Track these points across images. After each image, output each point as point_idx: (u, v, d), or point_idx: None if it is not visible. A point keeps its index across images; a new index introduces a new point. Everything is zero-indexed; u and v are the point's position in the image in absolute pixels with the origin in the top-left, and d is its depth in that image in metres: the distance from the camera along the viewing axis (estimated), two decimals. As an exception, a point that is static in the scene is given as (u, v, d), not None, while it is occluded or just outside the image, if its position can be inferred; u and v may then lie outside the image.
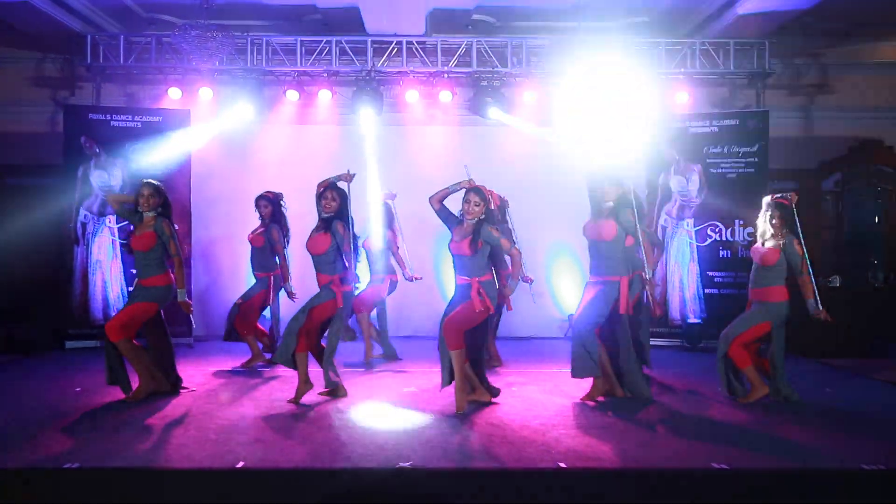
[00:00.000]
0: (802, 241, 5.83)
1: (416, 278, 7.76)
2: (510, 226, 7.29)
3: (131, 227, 6.00)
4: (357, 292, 7.28)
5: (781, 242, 5.82)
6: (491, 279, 5.56)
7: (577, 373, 5.81)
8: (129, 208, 5.98)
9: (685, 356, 8.38)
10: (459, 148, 9.32)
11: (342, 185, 6.00)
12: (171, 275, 5.91)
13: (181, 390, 6.13)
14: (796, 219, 5.85)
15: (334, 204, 5.89)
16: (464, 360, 5.56)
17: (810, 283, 5.77)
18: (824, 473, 4.26)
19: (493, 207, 5.65)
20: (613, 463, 4.35)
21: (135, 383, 5.91)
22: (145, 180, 6.07)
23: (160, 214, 5.90)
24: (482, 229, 5.45)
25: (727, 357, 5.93)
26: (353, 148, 9.13)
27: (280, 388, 6.37)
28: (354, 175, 6.05)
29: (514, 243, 7.15)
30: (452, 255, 5.59)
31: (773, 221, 5.85)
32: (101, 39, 9.06)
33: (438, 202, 5.67)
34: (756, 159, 8.81)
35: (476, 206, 5.49)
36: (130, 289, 7.96)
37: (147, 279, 5.86)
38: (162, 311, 6.00)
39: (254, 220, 7.58)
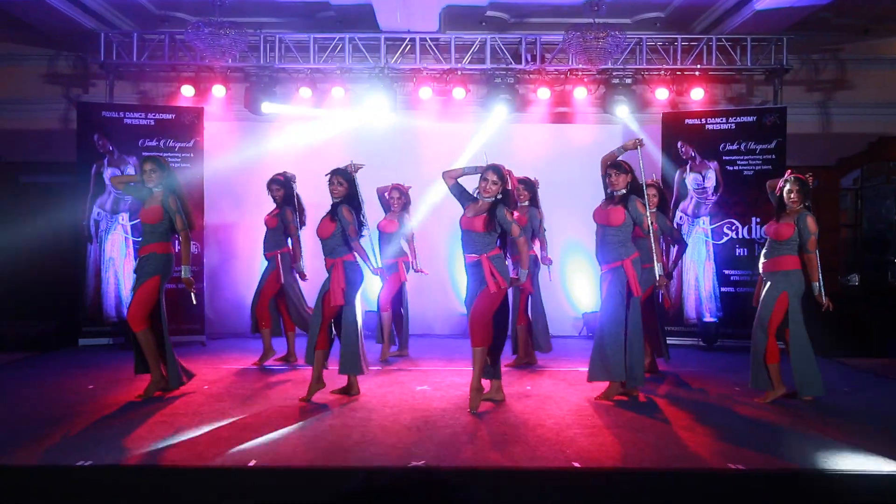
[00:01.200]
0: (815, 219, 5.78)
1: (421, 272, 7.75)
2: (540, 207, 7.25)
3: (141, 203, 6.00)
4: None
5: (796, 217, 5.77)
6: (500, 254, 5.47)
7: (592, 376, 5.83)
8: (135, 186, 6.03)
9: (701, 355, 8.30)
10: (473, 145, 9.26)
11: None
12: (172, 247, 5.96)
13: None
14: (808, 198, 5.83)
15: (341, 189, 5.87)
16: (485, 357, 5.51)
17: (816, 262, 5.75)
18: (842, 475, 4.19)
19: (509, 188, 5.52)
20: (628, 463, 4.30)
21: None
22: (145, 155, 6.09)
23: (167, 188, 5.91)
24: (498, 210, 5.37)
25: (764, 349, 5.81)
26: (365, 143, 9.11)
27: (293, 386, 6.35)
28: (361, 167, 6.04)
29: (543, 225, 7.15)
30: (462, 231, 5.52)
31: (792, 196, 5.77)
32: (114, 37, 9.04)
33: (452, 179, 5.58)
34: (773, 156, 8.68)
35: (494, 184, 5.39)
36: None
37: (145, 247, 5.86)
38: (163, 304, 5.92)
39: (267, 205, 7.58)
